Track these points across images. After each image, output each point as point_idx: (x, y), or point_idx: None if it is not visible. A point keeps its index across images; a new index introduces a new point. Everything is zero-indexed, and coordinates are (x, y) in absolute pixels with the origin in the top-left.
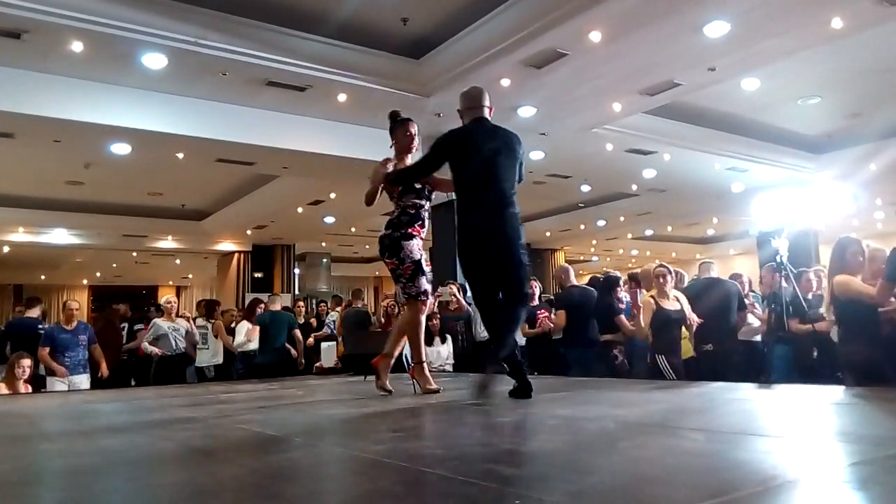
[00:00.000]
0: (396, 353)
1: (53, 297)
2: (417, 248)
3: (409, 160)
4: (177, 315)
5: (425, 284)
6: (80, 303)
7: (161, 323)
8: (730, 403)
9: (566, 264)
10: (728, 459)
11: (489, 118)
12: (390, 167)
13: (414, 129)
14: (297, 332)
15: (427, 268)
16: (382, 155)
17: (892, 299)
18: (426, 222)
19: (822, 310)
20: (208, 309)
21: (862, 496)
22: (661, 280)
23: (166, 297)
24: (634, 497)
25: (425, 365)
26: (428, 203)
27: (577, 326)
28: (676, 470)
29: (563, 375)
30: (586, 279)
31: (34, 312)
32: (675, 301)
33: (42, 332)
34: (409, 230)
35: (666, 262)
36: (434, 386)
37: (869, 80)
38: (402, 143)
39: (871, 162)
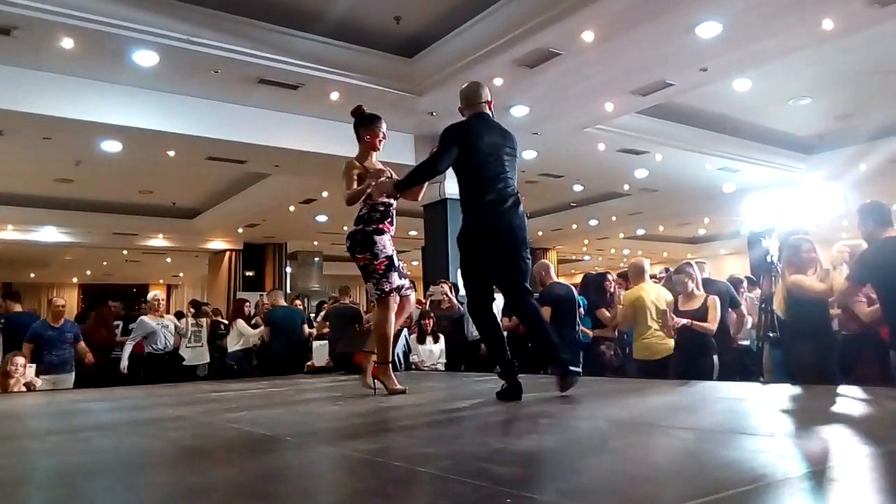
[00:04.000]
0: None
1: (43, 296)
2: (389, 243)
3: (375, 158)
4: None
5: (398, 280)
6: (66, 300)
7: (148, 321)
8: (720, 402)
9: (546, 261)
10: (718, 458)
11: (490, 113)
12: (385, 174)
13: (384, 126)
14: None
15: (400, 263)
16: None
17: (861, 299)
18: (394, 220)
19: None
20: (197, 308)
21: (850, 495)
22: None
23: (153, 292)
24: (625, 495)
25: (390, 365)
26: (395, 202)
27: (561, 325)
28: (667, 469)
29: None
30: (579, 278)
31: (18, 307)
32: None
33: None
34: (381, 226)
35: (657, 261)
36: (399, 387)
37: (859, 81)
38: (372, 141)
39: (861, 163)
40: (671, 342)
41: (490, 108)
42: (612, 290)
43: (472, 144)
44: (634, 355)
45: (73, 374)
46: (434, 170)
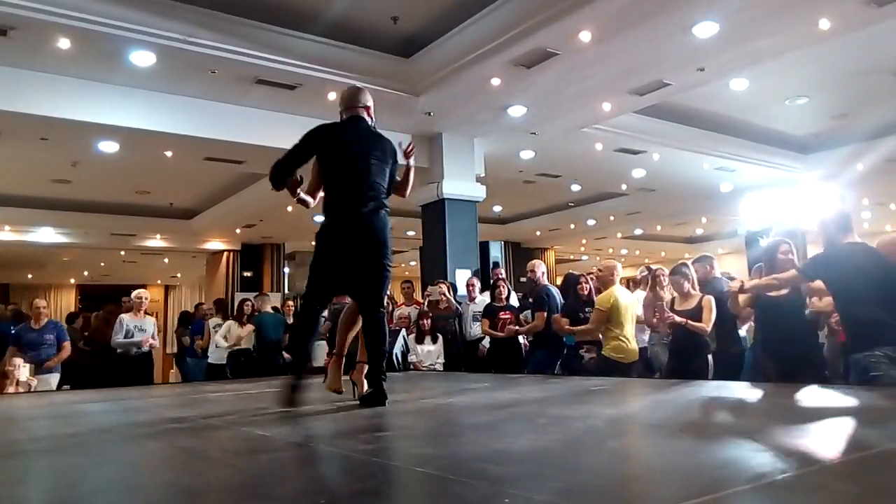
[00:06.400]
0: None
1: (41, 297)
2: None
3: None
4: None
5: None
6: (47, 302)
7: (127, 320)
8: (716, 402)
9: (538, 260)
10: (715, 458)
11: (367, 119)
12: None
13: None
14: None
15: None
16: None
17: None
18: None
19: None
20: (221, 307)
21: (849, 495)
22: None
23: (137, 291)
24: (622, 495)
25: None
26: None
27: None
28: (664, 468)
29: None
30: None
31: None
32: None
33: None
34: None
35: (655, 261)
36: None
37: (856, 81)
38: None
39: (857, 162)
40: (636, 348)
41: (369, 114)
42: (586, 291)
43: (341, 145)
44: (604, 352)
45: (55, 374)
46: (284, 167)
